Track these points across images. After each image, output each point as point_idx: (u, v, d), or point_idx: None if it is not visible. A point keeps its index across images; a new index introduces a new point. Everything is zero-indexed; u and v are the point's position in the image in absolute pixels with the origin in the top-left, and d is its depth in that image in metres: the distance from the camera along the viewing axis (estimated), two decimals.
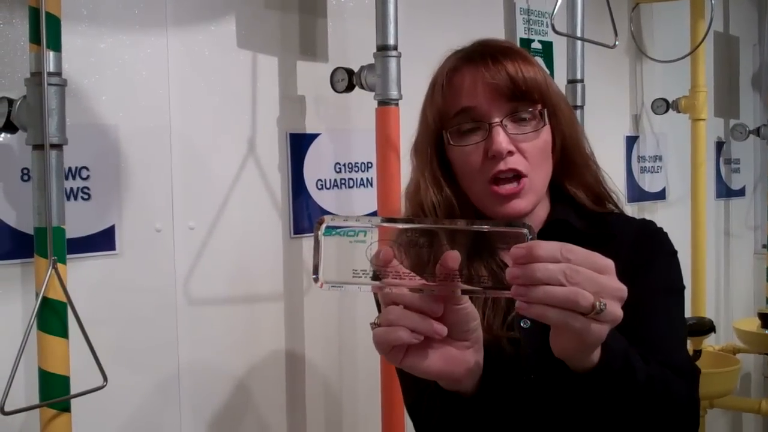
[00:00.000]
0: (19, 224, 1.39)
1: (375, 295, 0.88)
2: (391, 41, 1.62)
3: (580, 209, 1.09)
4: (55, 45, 1.24)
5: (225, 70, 1.69)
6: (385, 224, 0.76)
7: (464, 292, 0.75)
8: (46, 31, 1.22)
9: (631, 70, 2.95)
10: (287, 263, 1.81)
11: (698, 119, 2.89)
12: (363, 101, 1.71)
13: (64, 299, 1.26)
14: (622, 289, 0.75)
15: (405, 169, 1.30)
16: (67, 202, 1.33)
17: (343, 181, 1.92)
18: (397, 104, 1.63)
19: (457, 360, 0.80)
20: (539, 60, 2.31)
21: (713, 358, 2.86)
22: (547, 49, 2.46)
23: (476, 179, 1.02)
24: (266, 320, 1.78)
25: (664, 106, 2.92)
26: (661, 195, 3.09)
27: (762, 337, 2.96)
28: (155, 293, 1.58)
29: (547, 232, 1.05)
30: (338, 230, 0.75)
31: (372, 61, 1.64)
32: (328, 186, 1.88)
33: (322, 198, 1.87)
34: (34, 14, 1.22)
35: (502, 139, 0.99)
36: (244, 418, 1.74)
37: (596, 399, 0.85)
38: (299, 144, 1.82)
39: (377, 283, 0.75)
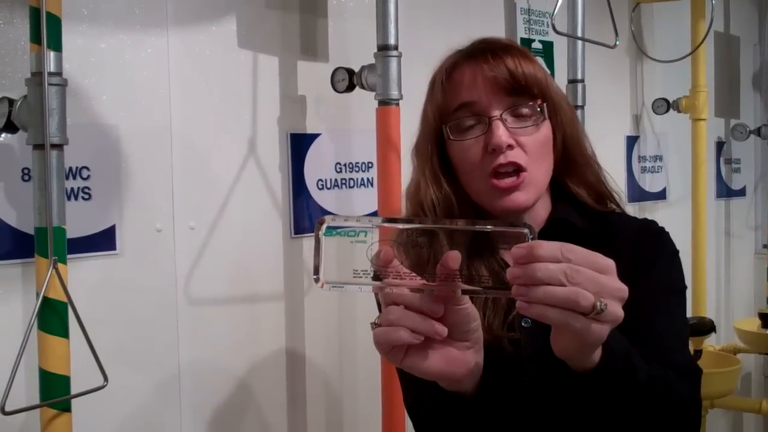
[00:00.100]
0: (20, 224, 1.39)
1: (376, 295, 0.88)
2: (392, 41, 1.62)
3: (582, 208, 1.09)
4: (56, 45, 1.24)
5: (226, 70, 1.69)
6: (386, 224, 0.76)
7: (465, 292, 0.75)
8: (46, 30, 1.22)
9: (632, 70, 2.95)
10: (288, 263, 1.81)
11: (699, 119, 2.89)
12: (363, 101, 1.71)
13: (64, 299, 1.26)
14: (623, 289, 0.75)
15: (405, 169, 1.30)
16: (67, 202, 1.34)
17: (343, 181, 1.92)
18: (397, 104, 1.63)
19: (458, 360, 0.80)
20: (540, 60, 2.31)
21: (714, 358, 2.86)
22: (547, 49, 2.46)
23: (476, 174, 1.02)
24: (267, 320, 1.78)
25: (664, 106, 2.92)
26: (661, 195, 3.09)
27: (762, 337, 2.96)
28: (156, 293, 1.58)
29: (548, 231, 1.05)
30: (339, 230, 0.75)
31: (372, 61, 1.64)
32: (328, 186, 1.88)
33: (323, 198, 1.87)
34: (35, 14, 1.22)
35: (501, 133, 0.99)
36: (244, 418, 1.74)
37: (597, 399, 0.85)
38: (300, 144, 1.82)
39: (378, 283, 0.75)
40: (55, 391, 1.26)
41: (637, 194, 2.96)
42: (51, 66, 1.23)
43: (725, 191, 3.49)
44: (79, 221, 1.44)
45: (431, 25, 2.05)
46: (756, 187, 3.68)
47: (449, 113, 1.04)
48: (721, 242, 3.47)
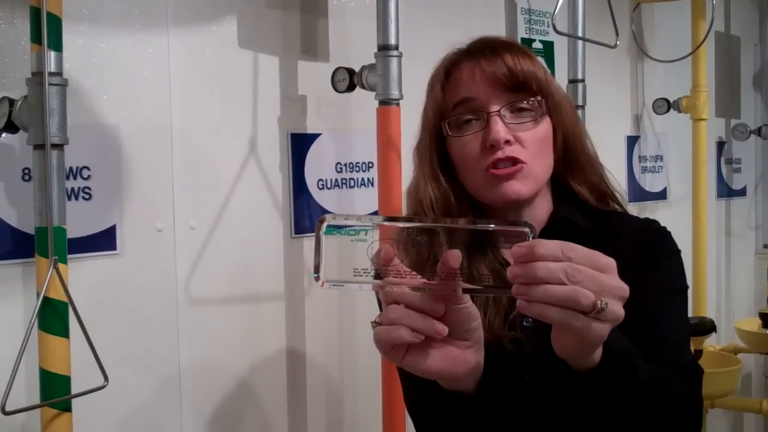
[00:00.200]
0: (20, 224, 1.39)
1: (376, 293, 0.88)
2: (393, 41, 1.62)
3: (584, 207, 1.08)
4: (56, 45, 1.24)
5: (226, 69, 1.69)
6: (387, 223, 0.76)
7: (465, 290, 0.75)
8: (47, 30, 1.22)
9: (632, 69, 2.95)
10: (288, 263, 1.81)
11: (699, 119, 2.89)
12: (364, 101, 1.71)
13: (65, 299, 1.26)
14: (624, 288, 0.74)
15: (406, 169, 1.30)
16: (68, 201, 1.34)
17: (344, 181, 1.92)
18: (398, 104, 1.63)
19: (458, 359, 0.80)
20: (540, 59, 2.31)
21: (714, 357, 2.85)
22: (548, 49, 2.46)
23: (474, 169, 1.02)
24: (267, 320, 1.78)
25: (665, 105, 2.92)
26: (662, 195, 3.09)
27: (763, 336, 2.96)
28: (156, 293, 1.58)
29: (550, 230, 1.05)
30: (339, 229, 0.75)
31: (373, 60, 1.64)
32: (329, 186, 1.88)
33: (323, 198, 1.87)
34: (35, 14, 1.22)
35: (499, 128, 0.99)
36: (244, 418, 1.74)
37: (598, 398, 0.85)
38: (300, 144, 1.82)
39: (378, 281, 0.75)
40: (55, 391, 1.26)
41: (638, 194, 2.96)
42: (51, 66, 1.23)
43: (726, 191, 3.49)
44: (79, 221, 1.44)
45: (432, 25, 2.05)
46: (756, 187, 3.68)
47: (448, 110, 1.04)
48: (722, 242, 3.47)
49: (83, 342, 1.28)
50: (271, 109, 1.77)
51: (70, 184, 1.44)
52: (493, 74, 1.01)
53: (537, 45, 2.42)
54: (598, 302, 0.72)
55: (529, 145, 1.01)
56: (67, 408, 1.28)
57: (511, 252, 0.72)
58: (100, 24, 1.49)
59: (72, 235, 1.36)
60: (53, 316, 1.25)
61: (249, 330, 1.74)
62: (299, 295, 1.83)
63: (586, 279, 0.72)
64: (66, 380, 1.27)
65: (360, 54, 1.72)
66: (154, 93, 1.58)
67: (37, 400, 1.27)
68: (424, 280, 0.75)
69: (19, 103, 1.26)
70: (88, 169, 1.48)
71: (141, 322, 1.55)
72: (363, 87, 1.70)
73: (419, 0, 2.04)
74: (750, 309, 3.49)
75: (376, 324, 0.78)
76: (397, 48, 1.62)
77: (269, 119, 1.77)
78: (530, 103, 1.02)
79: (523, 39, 2.36)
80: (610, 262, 0.74)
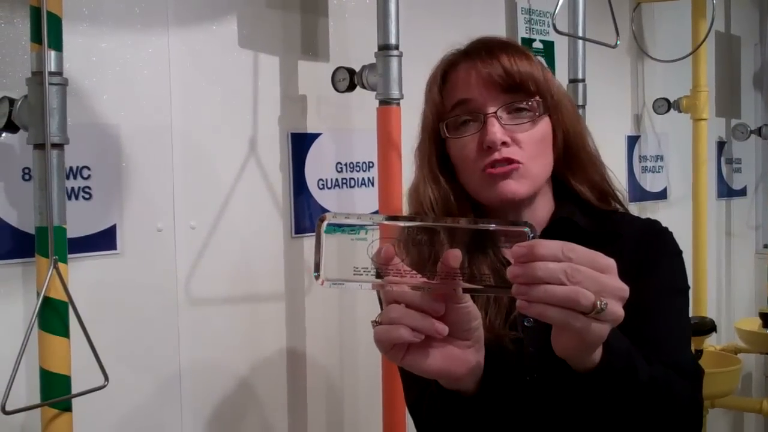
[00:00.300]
0: (21, 224, 1.39)
1: (377, 293, 0.88)
2: (393, 41, 1.62)
3: (585, 206, 1.08)
4: (57, 44, 1.24)
5: (226, 69, 1.69)
6: (387, 222, 0.76)
7: (466, 290, 0.75)
8: (47, 30, 1.22)
9: (633, 69, 2.94)
10: (288, 263, 1.81)
11: (699, 119, 2.89)
12: (364, 101, 1.71)
13: (65, 299, 1.26)
14: (624, 289, 0.74)
15: (406, 169, 1.30)
16: (68, 201, 1.34)
17: (344, 181, 1.92)
18: (398, 104, 1.63)
19: (458, 359, 0.80)
20: (540, 59, 2.31)
21: (714, 357, 2.85)
22: (548, 49, 2.46)
23: (472, 170, 1.02)
24: (267, 320, 1.78)
25: (665, 105, 2.92)
26: (662, 195, 3.09)
27: (763, 336, 2.95)
28: (156, 293, 1.58)
29: (552, 230, 1.05)
30: (340, 228, 0.75)
31: (373, 60, 1.64)
32: (329, 186, 1.88)
33: (324, 198, 1.87)
34: (36, 13, 1.22)
35: (496, 130, 0.99)
36: (245, 418, 1.74)
37: (598, 399, 0.85)
38: (300, 143, 1.82)
39: (378, 281, 0.75)
40: (55, 391, 1.26)
41: (638, 194, 2.96)
42: (52, 65, 1.23)
43: (726, 191, 3.48)
44: (79, 221, 1.44)
45: (432, 25, 2.05)
46: (757, 186, 3.68)
47: (446, 111, 1.04)
48: (722, 242, 3.47)
49: (83, 342, 1.28)
50: (272, 109, 1.77)
51: (70, 183, 1.44)
52: (489, 75, 1.01)
53: (537, 45, 2.42)
54: (598, 303, 0.72)
55: (526, 146, 1.01)
56: (67, 408, 1.28)
57: (511, 252, 0.72)
58: (100, 24, 1.49)
59: (72, 234, 1.36)
60: (53, 316, 1.25)
61: (249, 330, 1.74)
62: (299, 294, 1.83)
63: (586, 279, 0.72)
64: (66, 380, 1.27)
65: (360, 54, 1.72)
66: (155, 93, 1.58)
67: (37, 400, 1.27)
68: (425, 280, 0.75)
69: (19, 102, 1.26)
70: (89, 168, 1.48)
71: (141, 322, 1.55)
72: (363, 87, 1.69)
73: (419, 0, 2.04)
74: (750, 309, 3.49)
75: (376, 323, 0.78)
76: (397, 48, 1.62)
77: (269, 119, 1.77)
78: (527, 103, 1.02)
79: (523, 39, 2.36)
80: (611, 263, 0.74)
